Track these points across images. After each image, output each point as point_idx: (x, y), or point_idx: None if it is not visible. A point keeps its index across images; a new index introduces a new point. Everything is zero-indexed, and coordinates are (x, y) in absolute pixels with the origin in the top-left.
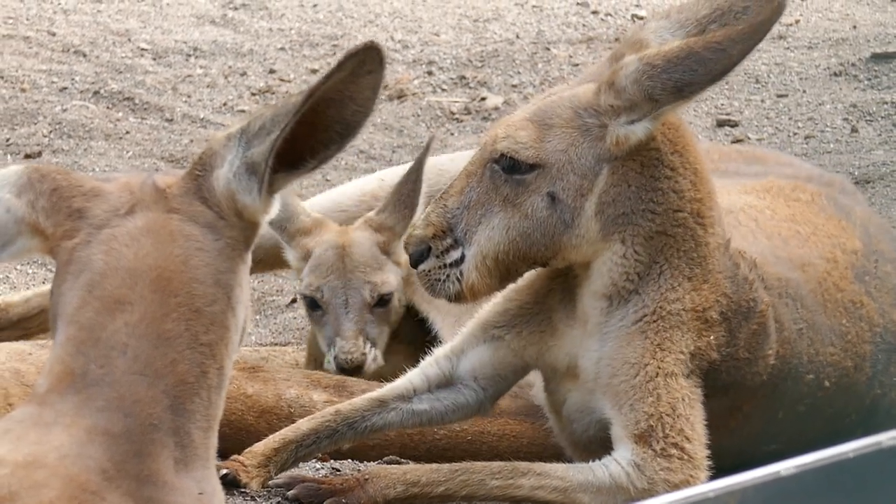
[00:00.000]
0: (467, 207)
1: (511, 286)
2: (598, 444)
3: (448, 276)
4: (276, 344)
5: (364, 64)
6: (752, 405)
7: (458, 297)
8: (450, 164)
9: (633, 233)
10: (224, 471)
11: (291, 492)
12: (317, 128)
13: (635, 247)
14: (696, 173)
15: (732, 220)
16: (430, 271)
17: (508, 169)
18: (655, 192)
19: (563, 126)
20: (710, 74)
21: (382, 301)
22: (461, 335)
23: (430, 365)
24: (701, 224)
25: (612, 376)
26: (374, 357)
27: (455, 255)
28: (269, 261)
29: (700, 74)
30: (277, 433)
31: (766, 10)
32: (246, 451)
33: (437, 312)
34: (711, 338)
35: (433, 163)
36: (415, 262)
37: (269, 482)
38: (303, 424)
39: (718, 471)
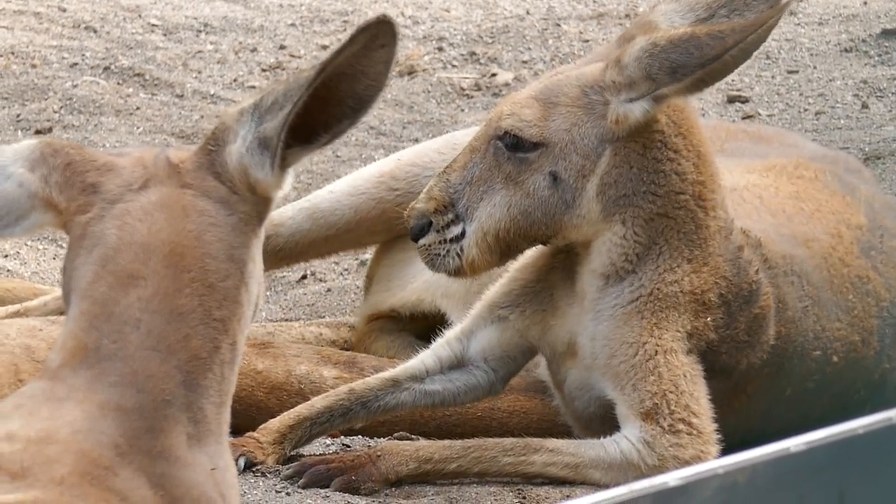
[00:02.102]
0: (470, 183)
1: (515, 265)
2: (599, 422)
3: (448, 251)
4: (286, 320)
5: (377, 38)
6: (756, 385)
7: (457, 273)
8: (464, 139)
9: (633, 214)
10: (241, 460)
11: (301, 481)
12: (329, 102)
13: (635, 228)
14: (700, 156)
15: (736, 197)
16: (430, 246)
17: (512, 146)
18: (657, 174)
19: (569, 105)
20: (704, 58)
21: None
22: (470, 316)
23: (442, 346)
24: (702, 207)
25: (610, 357)
26: None
27: (456, 230)
28: (290, 249)
29: (695, 57)
30: (292, 410)
31: (773, 10)
32: (261, 427)
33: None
34: (709, 319)
35: (447, 139)
36: (415, 235)
37: (280, 475)
38: (317, 402)
39: (727, 449)
